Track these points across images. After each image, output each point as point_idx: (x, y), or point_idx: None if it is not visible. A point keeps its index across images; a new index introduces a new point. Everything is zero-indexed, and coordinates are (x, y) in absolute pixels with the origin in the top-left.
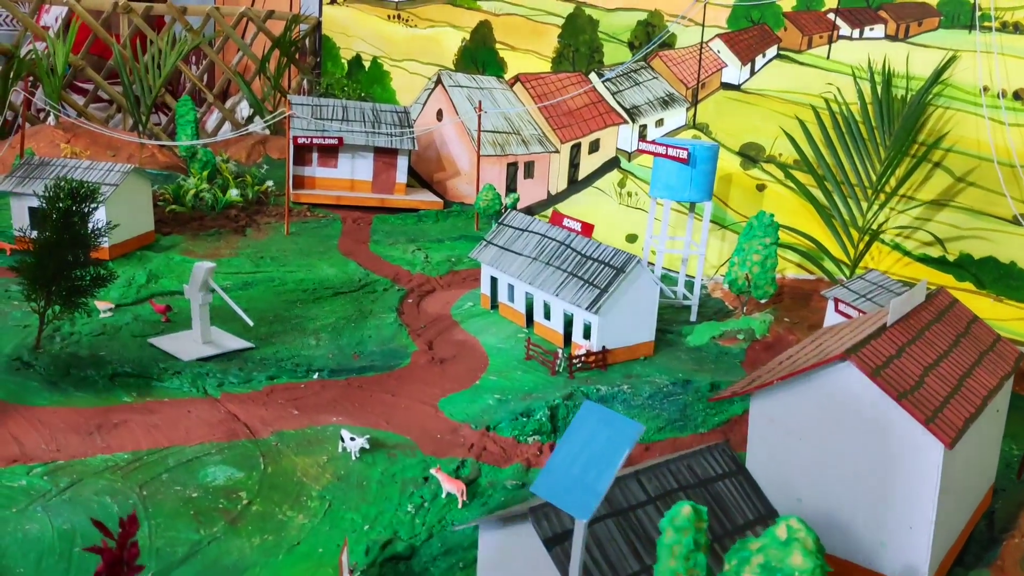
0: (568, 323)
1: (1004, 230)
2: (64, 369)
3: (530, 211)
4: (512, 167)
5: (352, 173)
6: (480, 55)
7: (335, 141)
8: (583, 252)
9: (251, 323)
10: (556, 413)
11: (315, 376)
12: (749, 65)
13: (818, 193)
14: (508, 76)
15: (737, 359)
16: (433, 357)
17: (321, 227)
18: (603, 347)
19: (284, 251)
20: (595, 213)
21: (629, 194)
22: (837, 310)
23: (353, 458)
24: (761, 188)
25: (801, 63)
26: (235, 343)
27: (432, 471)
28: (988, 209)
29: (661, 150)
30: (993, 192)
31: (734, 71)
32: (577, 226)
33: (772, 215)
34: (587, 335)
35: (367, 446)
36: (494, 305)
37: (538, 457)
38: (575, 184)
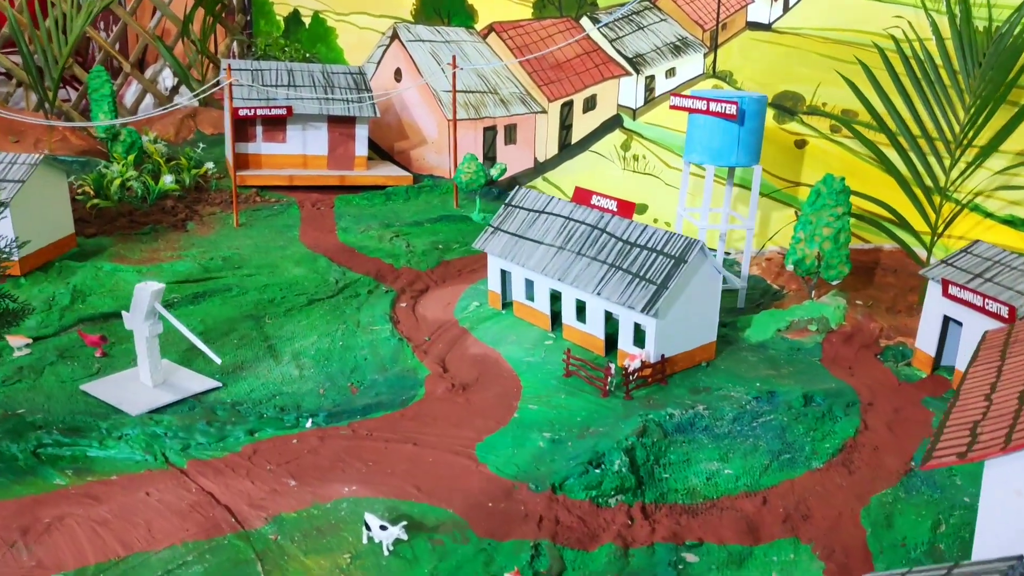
0: (611, 326)
1: None
2: None
3: (515, 182)
4: (490, 132)
5: (304, 148)
6: (444, 4)
7: (283, 111)
8: (625, 237)
9: (219, 360)
10: (634, 458)
11: (308, 424)
12: (781, 0)
13: (889, 151)
14: (480, 26)
15: (814, 356)
16: (453, 383)
17: (275, 214)
18: (662, 356)
19: (237, 249)
20: (594, 181)
21: (635, 158)
22: (947, 294)
23: (386, 553)
24: (800, 144)
25: None
26: (196, 383)
27: None
28: None
29: (701, 105)
30: None
31: (763, 8)
32: (612, 204)
33: (843, 179)
34: (639, 342)
35: (404, 536)
36: (506, 304)
37: (629, 528)
38: (568, 148)
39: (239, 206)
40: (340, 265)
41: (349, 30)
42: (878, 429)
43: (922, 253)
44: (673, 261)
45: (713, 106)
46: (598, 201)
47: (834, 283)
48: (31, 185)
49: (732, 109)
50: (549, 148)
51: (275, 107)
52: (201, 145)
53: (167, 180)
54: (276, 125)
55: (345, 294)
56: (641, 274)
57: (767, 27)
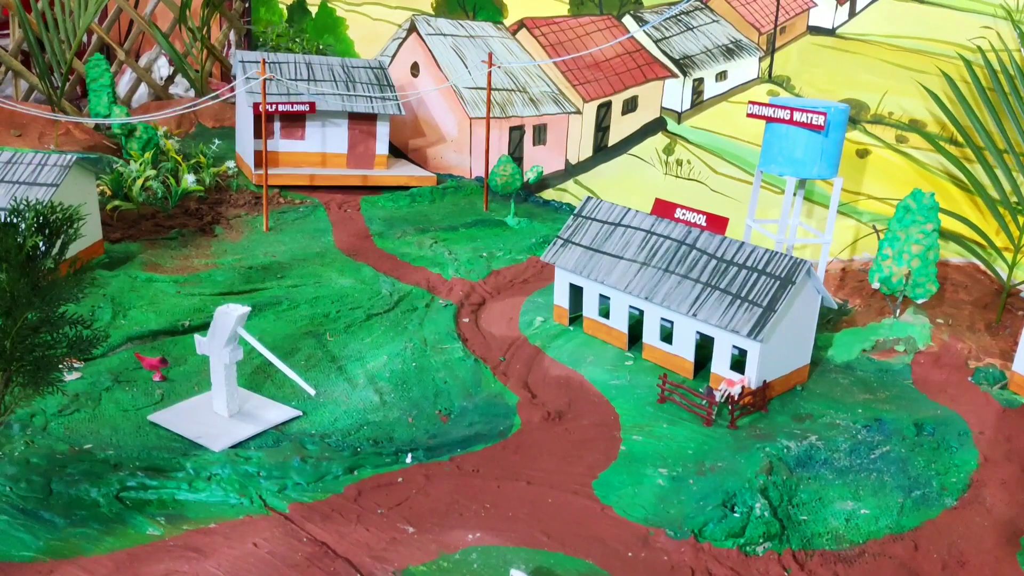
0: (703, 348)
1: None
2: (43, 487)
3: (545, 184)
4: (516, 131)
5: (323, 146)
6: None
7: (305, 107)
8: (720, 255)
9: (312, 391)
10: (769, 499)
11: (408, 459)
12: (848, 4)
13: (974, 166)
14: (509, 22)
15: (904, 378)
16: (548, 411)
17: (302, 217)
18: (764, 381)
19: (274, 256)
20: (631, 185)
21: (679, 162)
22: None
23: None
24: (863, 154)
25: (921, 1)
26: (276, 412)
27: None
28: None
29: (784, 114)
30: None
31: (827, 12)
32: (700, 219)
33: (932, 194)
34: (738, 366)
35: None
36: (573, 319)
37: None
38: (604, 151)
39: (268, 208)
40: (387, 275)
41: (361, 21)
42: (998, 461)
43: (999, 269)
44: (779, 282)
45: (799, 116)
46: (683, 214)
47: (920, 301)
48: (64, 189)
49: (820, 120)
50: (583, 150)
51: (298, 103)
52: (216, 141)
53: (190, 180)
54: (295, 122)
55: (402, 308)
56: (743, 295)
57: (831, 32)
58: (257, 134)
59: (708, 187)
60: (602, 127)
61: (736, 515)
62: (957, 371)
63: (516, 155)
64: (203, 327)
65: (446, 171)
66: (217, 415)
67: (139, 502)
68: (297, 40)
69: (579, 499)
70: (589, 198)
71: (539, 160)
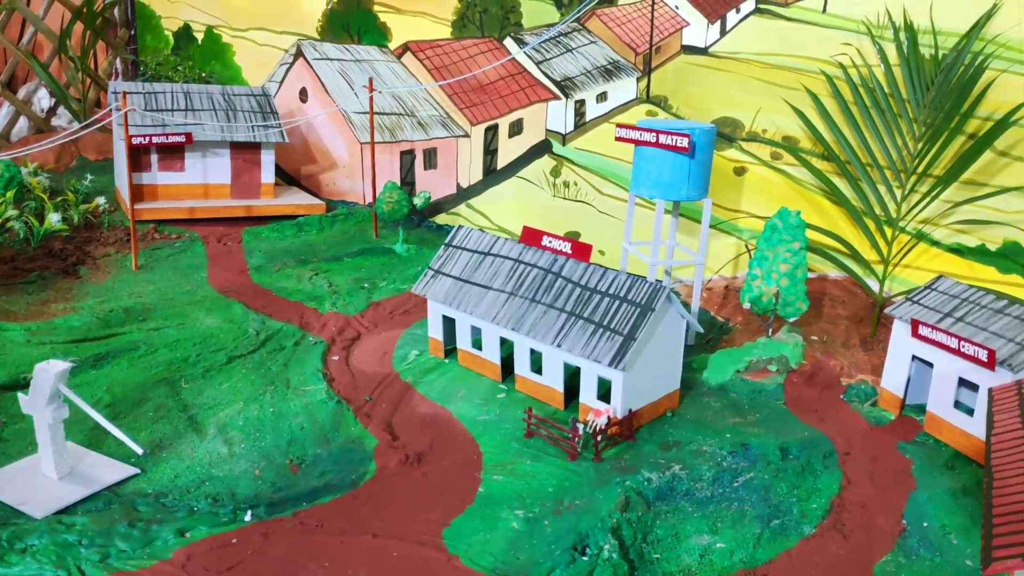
0: (571, 377)
1: None
2: None
3: (438, 208)
4: (407, 156)
5: (204, 176)
6: (353, 19)
7: (182, 138)
8: (583, 283)
9: (140, 450)
10: (621, 538)
11: (248, 516)
12: (719, 23)
13: (838, 180)
14: (394, 45)
15: (777, 399)
16: (407, 454)
17: (177, 253)
18: (630, 410)
19: (139, 296)
20: (521, 208)
21: (566, 184)
22: (917, 334)
23: None
24: (740, 172)
25: (788, 19)
26: (111, 471)
27: None
28: None
29: (650, 137)
30: None
31: (699, 31)
32: (566, 246)
33: (799, 212)
34: (604, 395)
35: None
36: (448, 351)
37: None
38: (493, 174)
39: (137, 245)
40: (258, 312)
41: (248, 47)
42: (861, 483)
43: (871, 283)
44: (639, 309)
45: (663, 138)
46: (549, 242)
47: (791, 320)
48: None
49: (684, 142)
50: (473, 173)
51: (173, 134)
52: (89, 176)
53: (53, 219)
54: (173, 153)
55: (268, 347)
56: (605, 323)
57: (703, 51)
58: (132, 167)
59: (596, 208)
60: (490, 150)
61: (585, 558)
62: (829, 389)
63: (408, 180)
64: None
65: (340, 197)
66: (46, 477)
67: None
68: (179, 68)
69: (426, 550)
70: (460, 226)
71: (431, 184)
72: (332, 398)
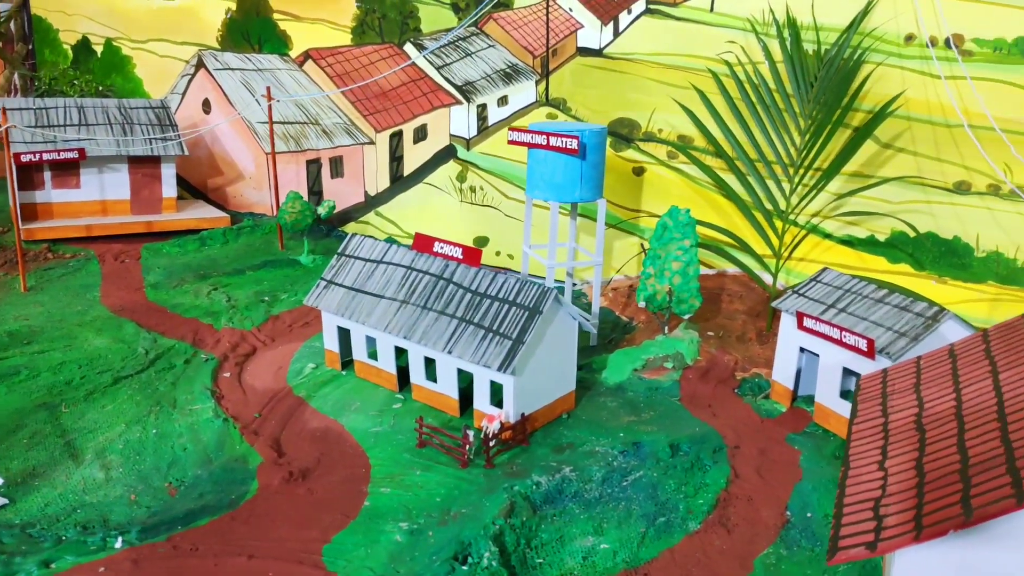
0: (463, 379)
1: (943, 201)
2: None
3: (347, 217)
4: (314, 165)
5: (102, 193)
6: (253, 28)
7: (74, 154)
8: (474, 288)
9: (6, 502)
10: (503, 544)
11: (118, 543)
12: (612, 25)
13: (728, 176)
14: (295, 53)
15: (673, 396)
16: (291, 471)
17: (71, 272)
18: (522, 414)
19: (26, 319)
20: (429, 214)
21: (472, 189)
22: (803, 327)
23: None
24: (639, 172)
25: (678, 18)
26: None
27: None
28: (923, 178)
29: (541, 140)
30: (928, 158)
31: (593, 33)
32: (456, 252)
33: (688, 211)
34: (497, 401)
35: None
36: (345, 363)
37: None
38: (401, 180)
39: (27, 265)
40: (151, 330)
41: (148, 59)
42: (748, 476)
43: (766, 277)
44: (527, 312)
45: (553, 140)
46: (441, 248)
47: (686, 317)
48: None
49: (573, 144)
50: (380, 181)
51: (64, 151)
52: None
53: None
54: (68, 170)
55: (158, 366)
56: (495, 328)
57: (598, 52)
58: (20, 186)
59: (502, 212)
60: (396, 157)
61: (465, 568)
62: (723, 384)
63: (316, 189)
64: None
65: (247, 210)
66: None
67: None
68: (75, 83)
69: (304, 569)
70: (353, 235)
71: (339, 193)
72: (219, 416)
